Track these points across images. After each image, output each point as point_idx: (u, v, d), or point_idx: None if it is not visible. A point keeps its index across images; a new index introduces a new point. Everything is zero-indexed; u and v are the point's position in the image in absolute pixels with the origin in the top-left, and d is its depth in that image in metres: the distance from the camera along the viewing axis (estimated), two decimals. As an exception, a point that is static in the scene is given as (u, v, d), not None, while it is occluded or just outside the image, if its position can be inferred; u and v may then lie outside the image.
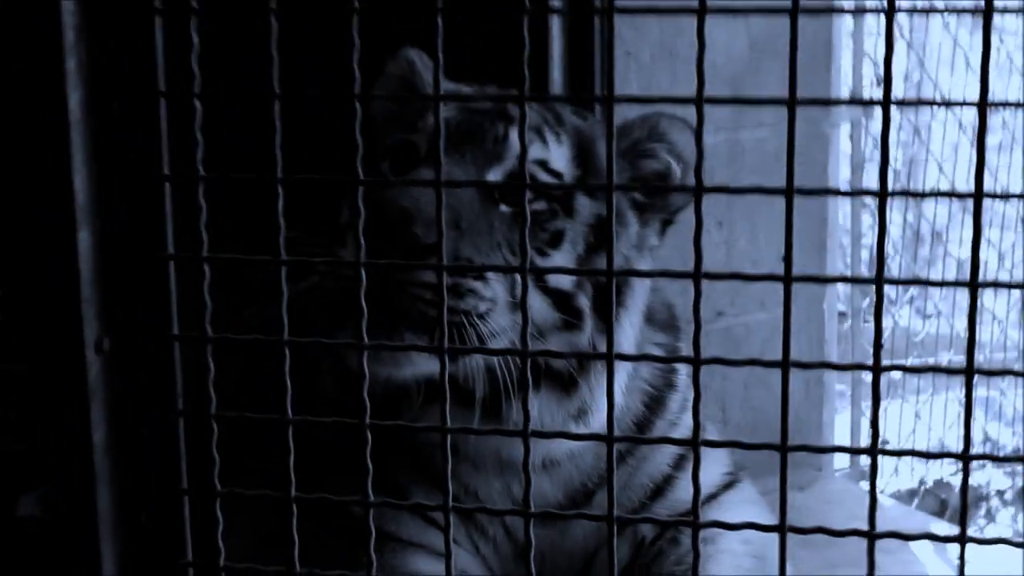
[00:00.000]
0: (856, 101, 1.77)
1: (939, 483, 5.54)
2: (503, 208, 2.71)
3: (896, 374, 5.37)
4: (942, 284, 1.82)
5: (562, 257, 2.74)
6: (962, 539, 1.86)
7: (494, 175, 2.76)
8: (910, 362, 5.23)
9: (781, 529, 1.89)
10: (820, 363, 1.87)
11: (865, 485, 4.78)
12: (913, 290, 5.91)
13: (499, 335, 2.60)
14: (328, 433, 2.85)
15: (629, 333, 2.84)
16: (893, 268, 5.62)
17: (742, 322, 4.10)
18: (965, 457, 1.85)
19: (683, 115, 2.88)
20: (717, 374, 4.02)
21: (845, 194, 1.80)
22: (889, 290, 5.51)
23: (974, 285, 1.76)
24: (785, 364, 1.84)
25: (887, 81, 1.77)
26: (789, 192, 1.78)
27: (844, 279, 1.81)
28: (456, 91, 2.89)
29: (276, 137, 1.92)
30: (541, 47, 3.47)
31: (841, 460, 4.73)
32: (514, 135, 2.76)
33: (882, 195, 1.77)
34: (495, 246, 2.65)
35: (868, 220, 5.08)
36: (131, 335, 2.06)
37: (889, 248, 5.56)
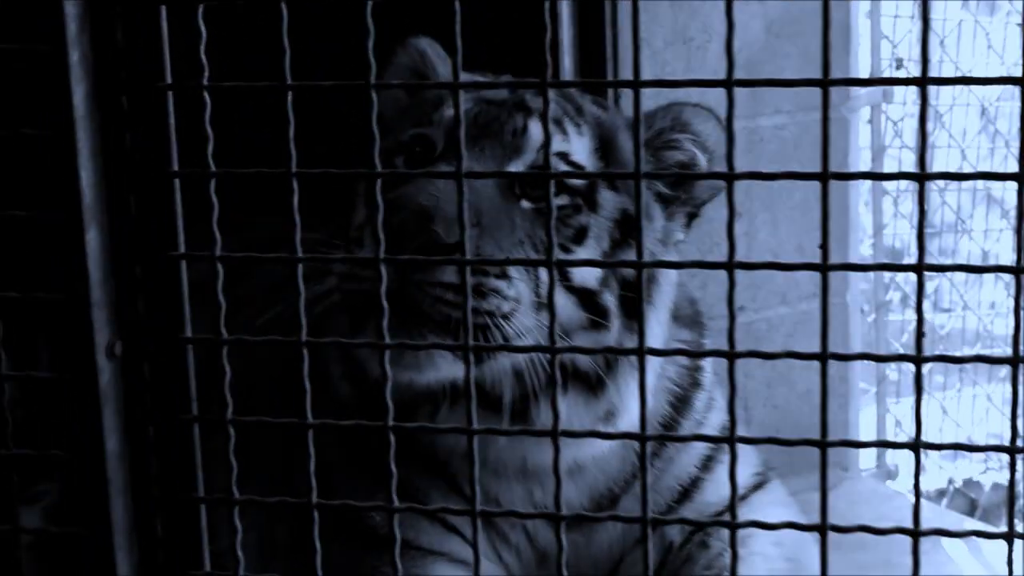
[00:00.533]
0: (891, 81, 1.77)
1: (969, 482, 5.53)
2: (524, 204, 2.69)
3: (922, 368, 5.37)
4: (986, 270, 1.82)
5: (586, 253, 2.72)
6: (1010, 536, 1.86)
7: (514, 169, 2.75)
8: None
9: (822, 528, 1.89)
10: (859, 355, 1.87)
11: (892, 485, 4.78)
12: (931, 284, 5.92)
13: (524, 336, 2.58)
14: (340, 438, 2.88)
15: (657, 331, 2.84)
16: (907, 259, 5.63)
17: (763, 317, 4.10)
18: (1012, 450, 1.85)
19: (703, 101, 2.89)
20: (739, 372, 3.99)
21: (882, 177, 1.79)
22: (906, 284, 5.51)
23: (1020, 271, 1.76)
24: (824, 356, 1.83)
25: (924, 60, 1.77)
26: (824, 176, 1.77)
27: (884, 267, 1.81)
28: (472, 81, 2.89)
29: (289, 130, 1.92)
30: (551, 34, 3.46)
31: (867, 460, 4.73)
32: (534, 127, 2.75)
33: (921, 178, 1.76)
34: (517, 243, 2.64)
35: (889, 209, 5.08)
36: (142, 338, 2.06)
37: (905, 238, 5.56)
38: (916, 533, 1.88)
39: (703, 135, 2.87)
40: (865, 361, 4.72)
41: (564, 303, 2.68)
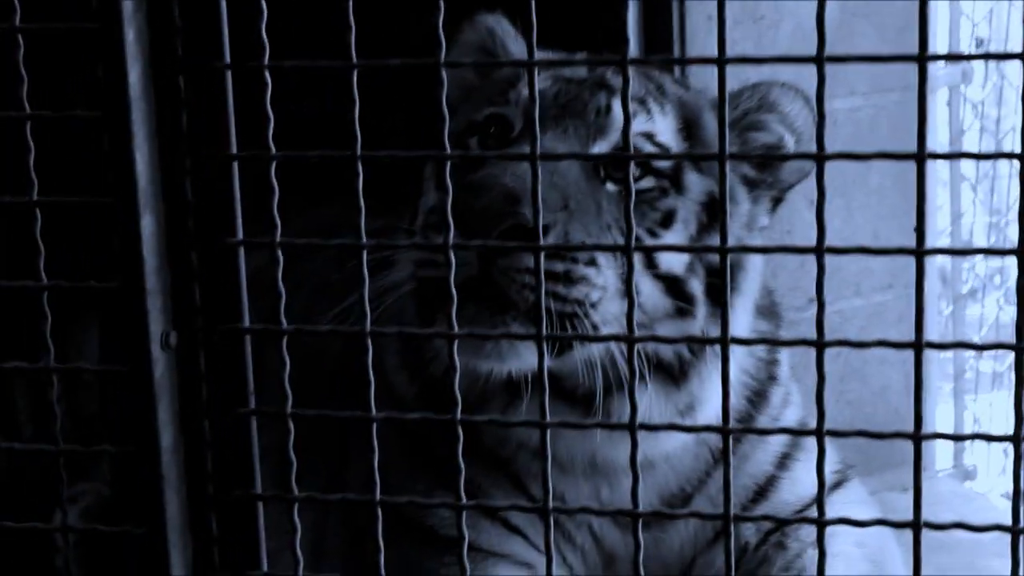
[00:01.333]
0: (991, 56, 1.75)
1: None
2: (609, 187, 2.68)
3: (997, 365, 5.33)
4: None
5: (674, 238, 2.71)
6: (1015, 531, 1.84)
7: (598, 150, 2.73)
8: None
9: (916, 525, 1.87)
10: (955, 343, 1.86)
11: (969, 485, 4.75)
12: (1001, 277, 5.85)
13: (609, 324, 2.58)
14: (398, 434, 2.88)
15: (743, 319, 2.83)
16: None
17: (836, 309, 4.07)
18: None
19: (791, 81, 2.88)
20: (811, 370, 3.99)
21: (982, 156, 1.77)
22: (985, 276, 5.47)
23: None
24: (918, 345, 1.82)
25: (1024, 32, 1.75)
26: (920, 156, 1.76)
27: (984, 251, 1.79)
28: (547, 59, 2.88)
29: (354, 110, 1.92)
30: (616, 10, 3.45)
31: (944, 460, 4.69)
32: (617, 106, 2.72)
33: None
34: (604, 228, 2.62)
35: (968, 195, 5.04)
36: (198, 328, 2.06)
37: (982, 227, 5.51)
38: (1017, 531, 1.86)
39: (791, 116, 2.85)
40: (941, 358, 4.70)
41: (650, 290, 2.67)
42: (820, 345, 1.88)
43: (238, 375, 2.08)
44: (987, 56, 1.75)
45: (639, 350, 2.65)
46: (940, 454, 4.55)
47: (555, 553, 2.92)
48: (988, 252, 1.81)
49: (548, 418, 1.94)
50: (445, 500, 2.03)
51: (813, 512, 2.84)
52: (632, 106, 2.69)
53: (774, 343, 1.92)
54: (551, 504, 1.98)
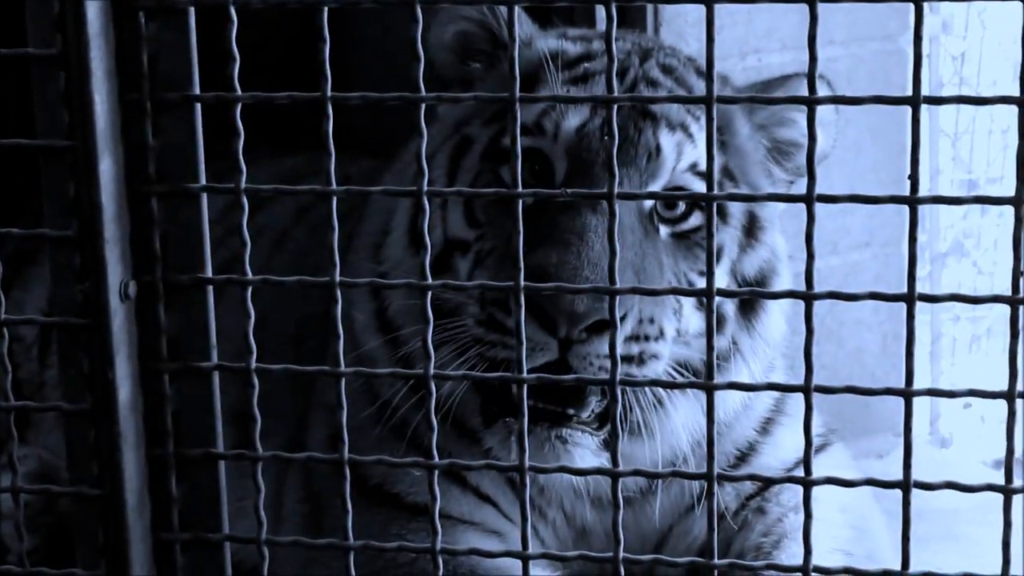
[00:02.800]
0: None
1: (1031, 451, 5.53)
2: (663, 231, 2.78)
3: (975, 328, 5.37)
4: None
5: (721, 269, 2.82)
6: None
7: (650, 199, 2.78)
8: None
9: (905, 485, 1.90)
10: (949, 296, 1.88)
11: (946, 453, 4.79)
12: (969, 243, 5.88)
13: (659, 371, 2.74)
14: (366, 397, 2.90)
15: (779, 320, 2.97)
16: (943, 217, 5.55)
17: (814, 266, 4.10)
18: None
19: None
20: (787, 328, 4.02)
21: (981, 101, 1.80)
22: (966, 237, 5.50)
23: None
24: (911, 297, 1.84)
25: (1023, -26, 1.77)
26: (915, 100, 1.78)
27: (980, 199, 1.81)
28: (560, 49, 2.91)
29: (324, 50, 1.92)
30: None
31: (919, 428, 4.74)
32: (666, 143, 2.77)
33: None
34: (665, 284, 2.73)
35: (949, 152, 5.07)
36: (158, 279, 2.06)
37: (963, 183, 5.54)
38: (1008, 490, 1.89)
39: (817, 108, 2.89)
40: (918, 321, 4.73)
41: (695, 319, 2.79)
42: (809, 297, 1.90)
43: (199, 328, 2.09)
44: (986, -2, 1.77)
45: (682, 362, 2.82)
46: (915, 422, 4.58)
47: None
48: (984, 201, 1.83)
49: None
50: (417, 460, 2.04)
51: (797, 474, 2.90)
52: (677, 136, 2.79)
53: (763, 295, 1.94)
54: (527, 463, 2.00)
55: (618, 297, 2.09)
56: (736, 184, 2.87)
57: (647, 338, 2.67)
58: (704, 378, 1.94)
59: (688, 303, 2.77)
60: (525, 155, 2.75)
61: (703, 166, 2.77)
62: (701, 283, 2.76)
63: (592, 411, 2.70)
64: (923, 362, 4.92)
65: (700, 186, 2.80)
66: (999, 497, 1.90)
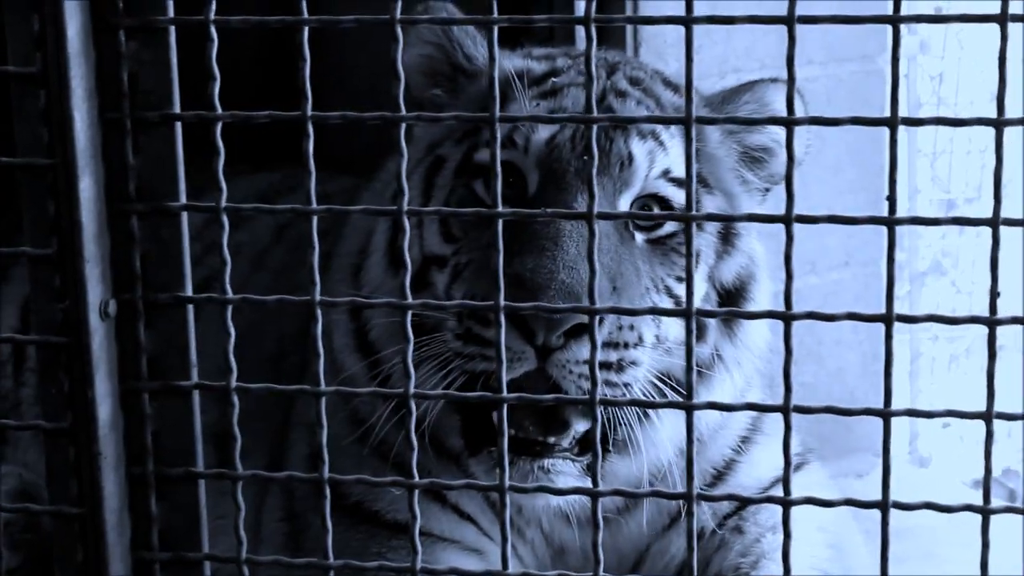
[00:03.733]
0: (969, 18, 1.78)
1: (1008, 472, 5.57)
2: (638, 238, 2.80)
3: (954, 348, 5.40)
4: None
5: (699, 276, 2.83)
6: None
7: (624, 203, 2.80)
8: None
9: (884, 505, 1.91)
10: (927, 316, 1.90)
11: (925, 472, 4.81)
12: (948, 263, 5.90)
13: (642, 381, 2.74)
14: (346, 417, 2.90)
15: (761, 326, 2.96)
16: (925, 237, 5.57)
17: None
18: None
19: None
20: (766, 350, 4.04)
21: (953, 123, 1.81)
22: (944, 256, 5.53)
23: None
24: (888, 318, 1.86)
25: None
26: (893, 122, 1.80)
27: (957, 221, 1.83)
28: (525, 67, 2.94)
29: (304, 69, 1.93)
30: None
31: (900, 447, 4.76)
32: (638, 151, 2.79)
33: (999, 124, 1.78)
34: (645, 292, 2.75)
35: (928, 172, 5.11)
36: (138, 297, 2.06)
37: (940, 204, 5.57)
38: (986, 511, 1.90)
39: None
40: (897, 341, 4.76)
41: (676, 326, 2.78)
42: (788, 317, 1.91)
43: (179, 346, 2.09)
44: (963, 18, 1.79)
45: (664, 372, 2.81)
46: (895, 442, 4.61)
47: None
48: (961, 223, 1.85)
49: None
50: (397, 479, 2.05)
51: (774, 493, 2.91)
52: (648, 144, 2.81)
53: (741, 315, 1.94)
54: (507, 484, 2.01)
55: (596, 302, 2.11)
56: (710, 190, 2.89)
57: (626, 345, 2.67)
58: (685, 398, 1.95)
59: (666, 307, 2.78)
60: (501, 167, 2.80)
61: (676, 172, 2.83)
62: (679, 288, 2.79)
63: (574, 437, 2.71)
64: (902, 381, 4.95)
65: (673, 192, 2.82)
66: (978, 517, 1.91)
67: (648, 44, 3.74)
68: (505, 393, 1.98)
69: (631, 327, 2.68)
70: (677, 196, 2.82)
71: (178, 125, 2.01)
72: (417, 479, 2.02)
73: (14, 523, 3.36)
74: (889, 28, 1.83)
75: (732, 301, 2.89)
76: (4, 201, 3.07)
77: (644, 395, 2.74)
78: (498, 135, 1.92)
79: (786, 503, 1.95)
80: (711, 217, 2.06)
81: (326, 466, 2.04)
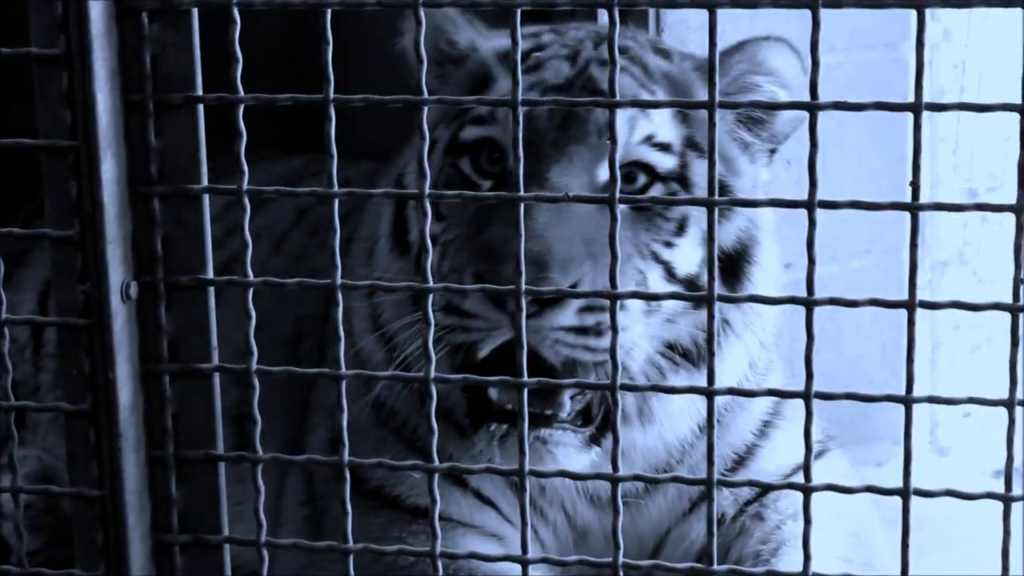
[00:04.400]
0: (996, 1, 1.78)
1: (1030, 462, 5.54)
2: (620, 205, 2.72)
3: (975, 336, 5.38)
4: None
5: (689, 241, 2.80)
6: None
7: (605, 171, 2.75)
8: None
9: (905, 492, 1.91)
10: (950, 303, 1.89)
11: (945, 462, 4.80)
12: (969, 251, 5.87)
13: (637, 346, 2.73)
14: (367, 400, 2.91)
15: (767, 286, 2.92)
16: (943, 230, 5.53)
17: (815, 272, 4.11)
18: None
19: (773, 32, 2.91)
20: (784, 335, 4.03)
21: (982, 108, 1.81)
22: (966, 244, 5.50)
23: None
24: (911, 304, 1.86)
25: (1026, -18, 1.78)
26: (917, 107, 1.80)
27: (981, 207, 1.82)
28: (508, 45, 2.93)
29: (327, 52, 1.93)
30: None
31: (920, 435, 4.74)
32: (616, 118, 2.73)
33: (1024, 110, 1.78)
34: (627, 258, 2.70)
35: (950, 161, 5.07)
36: (159, 280, 2.07)
37: (962, 191, 5.55)
38: (1008, 498, 1.90)
39: (781, 71, 2.89)
40: (920, 327, 4.75)
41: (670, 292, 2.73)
42: (810, 303, 1.91)
43: (200, 329, 2.10)
44: (988, 2, 1.78)
45: (671, 342, 2.82)
46: (915, 430, 4.59)
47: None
48: (985, 208, 1.84)
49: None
50: (417, 463, 2.05)
51: (795, 480, 2.91)
52: (628, 112, 2.78)
53: (763, 300, 1.94)
54: (527, 468, 2.01)
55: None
56: (703, 154, 2.83)
57: (603, 309, 2.62)
58: (695, 361, 1.95)
59: (655, 276, 2.77)
60: (480, 144, 2.84)
61: (660, 137, 2.81)
62: (666, 253, 2.77)
63: (570, 410, 2.71)
64: (923, 370, 4.93)
65: (658, 158, 2.80)
66: (999, 505, 1.91)
67: (671, 30, 3.73)
68: (524, 376, 1.98)
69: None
70: (663, 162, 2.80)
71: (200, 108, 2.02)
72: (438, 463, 2.02)
73: (35, 505, 3.38)
74: (913, 15, 1.82)
75: (734, 264, 2.86)
76: (24, 186, 3.09)
77: (646, 361, 2.75)
78: (520, 119, 1.92)
79: (806, 489, 1.96)
80: (734, 202, 2.05)
81: (346, 449, 2.05)
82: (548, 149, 2.71)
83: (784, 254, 4.03)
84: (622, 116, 2.76)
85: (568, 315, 2.59)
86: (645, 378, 2.76)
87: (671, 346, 2.81)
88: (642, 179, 2.79)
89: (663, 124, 2.82)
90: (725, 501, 3.00)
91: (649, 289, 2.72)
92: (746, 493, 3.02)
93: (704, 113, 2.78)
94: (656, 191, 2.79)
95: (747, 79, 2.90)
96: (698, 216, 2.81)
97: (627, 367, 2.70)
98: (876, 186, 4.13)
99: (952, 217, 5.21)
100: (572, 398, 2.71)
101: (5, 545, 3.48)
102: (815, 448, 3.08)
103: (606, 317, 2.61)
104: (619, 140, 2.75)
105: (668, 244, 2.78)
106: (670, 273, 2.78)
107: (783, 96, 2.88)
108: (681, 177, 2.82)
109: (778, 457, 3.05)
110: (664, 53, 3.01)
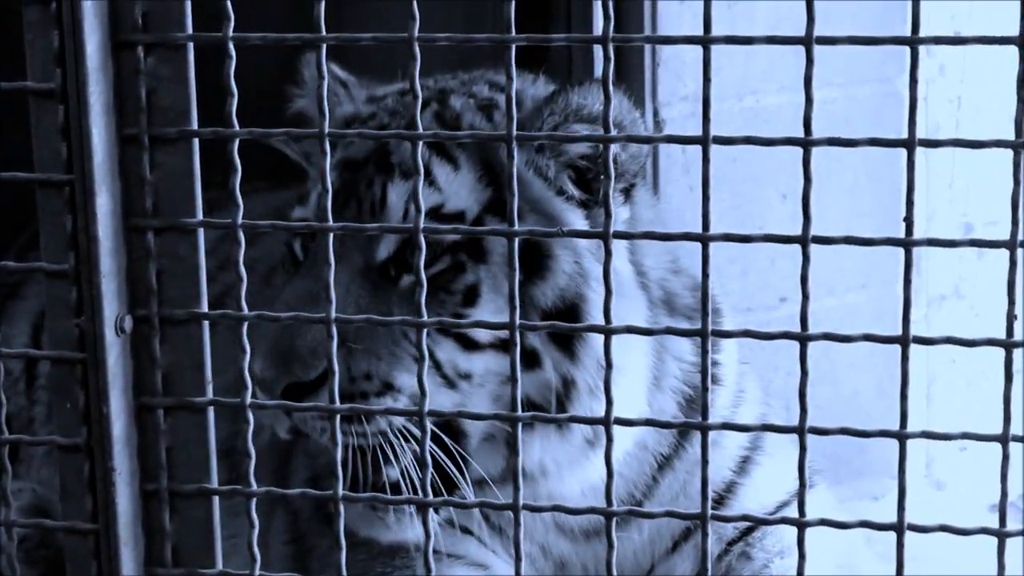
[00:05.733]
0: (988, 40, 1.79)
1: (1025, 496, 5.55)
2: (404, 281, 2.69)
3: (971, 372, 5.39)
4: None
5: (484, 311, 2.69)
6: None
7: (384, 249, 2.71)
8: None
9: (899, 528, 1.92)
10: (944, 339, 1.90)
11: (942, 495, 4.80)
12: (965, 286, 5.88)
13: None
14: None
15: (626, 350, 2.75)
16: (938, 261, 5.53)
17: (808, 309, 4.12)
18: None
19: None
20: (781, 369, 4.03)
21: (974, 144, 1.82)
22: (962, 280, 5.52)
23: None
24: (905, 339, 1.86)
25: None
26: (910, 143, 1.81)
27: (974, 243, 1.83)
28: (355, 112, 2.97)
29: (323, 86, 1.94)
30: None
31: (916, 470, 4.74)
32: (393, 194, 2.72)
33: (1017, 146, 1.79)
34: (400, 339, 2.65)
35: (945, 195, 5.09)
36: (153, 313, 2.07)
37: (958, 227, 5.56)
38: (1002, 534, 1.91)
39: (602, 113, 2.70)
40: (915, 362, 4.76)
41: (478, 366, 2.71)
42: (804, 338, 1.92)
43: (194, 363, 2.10)
44: (981, 40, 1.79)
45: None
46: (911, 465, 4.60)
47: (505, 559, 2.96)
48: (979, 244, 1.85)
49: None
50: (412, 497, 2.06)
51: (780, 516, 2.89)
52: (408, 184, 2.68)
53: (759, 336, 1.94)
54: (520, 503, 2.01)
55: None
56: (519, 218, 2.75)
57: (364, 395, 2.60)
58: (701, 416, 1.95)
59: (448, 347, 2.69)
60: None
61: (449, 205, 2.72)
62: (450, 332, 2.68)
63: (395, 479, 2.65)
64: (918, 404, 4.93)
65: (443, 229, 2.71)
66: (994, 542, 1.92)
67: (666, 65, 3.75)
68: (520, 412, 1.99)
69: (367, 376, 2.63)
70: (447, 235, 2.67)
71: (195, 141, 2.03)
72: (432, 497, 2.03)
73: (29, 539, 3.38)
74: (907, 50, 1.83)
75: (564, 320, 2.69)
76: (17, 219, 3.10)
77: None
78: (515, 156, 1.93)
79: (801, 524, 1.96)
80: (747, 239, 2.04)
81: (339, 483, 2.05)
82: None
83: (779, 288, 4.05)
84: (400, 190, 2.70)
85: (322, 399, 2.51)
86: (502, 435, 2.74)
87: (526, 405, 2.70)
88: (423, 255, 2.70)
89: (459, 192, 2.73)
90: (711, 539, 2.98)
91: (442, 364, 2.68)
92: (730, 531, 3.01)
93: (522, 175, 2.68)
94: (441, 264, 2.68)
95: (564, 129, 2.70)
96: (491, 283, 2.70)
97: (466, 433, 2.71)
98: (873, 219, 4.15)
99: (948, 251, 5.22)
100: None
101: (0, 577, 3.48)
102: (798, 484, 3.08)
103: (371, 403, 2.62)
104: (394, 216, 2.70)
105: (456, 315, 2.67)
106: (466, 343, 2.68)
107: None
108: (471, 245, 2.70)
109: (762, 495, 3.03)
110: (488, 111, 2.90)
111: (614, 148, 2.59)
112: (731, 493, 3.06)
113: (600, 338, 2.66)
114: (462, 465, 2.69)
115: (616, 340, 1.99)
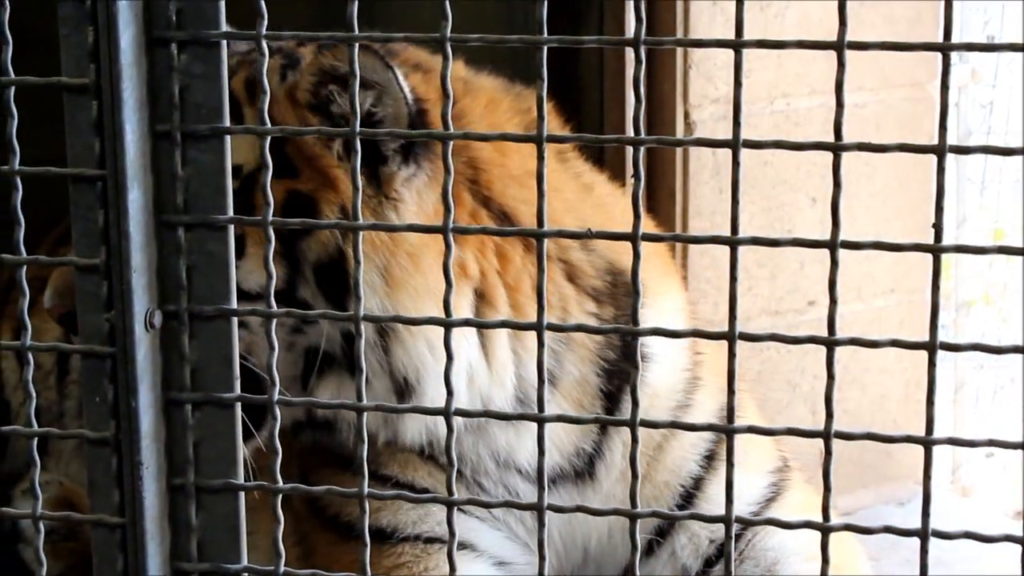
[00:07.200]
0: (1018, 47, 1.79)
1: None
2: None
3: (999, 378, 5.38)
4: (1113, 256, 1.84)
5: (250, 261, 2.67)
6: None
7: None
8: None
9: (923, 533, 1.91)
10: (971, 345, 1.90)
11: (968, 503, 4.80)
12: (995, 292, 5.86)
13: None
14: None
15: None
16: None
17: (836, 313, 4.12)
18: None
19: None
20: (808, 373, 4.04)
21: (1007, 152, 1.81)
22: (991, 286, 5.50)
23: None
24: (932, 345, 1.86)
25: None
26: (940, 150, 1.80)
27: (1002, 249, 1.83)
28: None
29: (354, 84, 1.95)
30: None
31: (943, 476, 4.74)
32: None
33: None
34: None
35: (976, 201, 5.08)
36: (183, 308, 2.08)
37: (987, 232, 5.54)
38: (1028, 542, 1.90)
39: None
40: (943, 367, 4.74)
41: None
42: (831, 343, 1.92)
43: (222, 358, 2.11)
44: (1012, 47, 1.79)
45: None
46: (937, 470, 4.60)
47: (522, 545, 2.94)
48: (1007, 251, 1.85)
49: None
50: (436, 496, 2.06)
51: (756, 530, 2.85)
52: None
53: (786, 340, 1.93)
54: (545, 503, 2.01)
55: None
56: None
57: None
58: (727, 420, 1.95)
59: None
60: None
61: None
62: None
63: None
64: (946, 410, 4.93)
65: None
66: (1019, 548, 1.91)
67: (698, 67, 3.75)
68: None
69: None
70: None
71: (227, 138, 2.03)
72: (456, 496, 2.03)
73: (55, 531, 3.40)
74: (940, 56, 1.83)
75: (331, 276, 2.68)
76: (45, 215, 3.11)
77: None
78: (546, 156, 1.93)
79: (824, 529, 1.95)
80: (756, 240, 2.04)
81: (365, 480, 2.05)
82: None
83: (808, 292, 4.05)
84: None
85: None
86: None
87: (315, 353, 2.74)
88: None
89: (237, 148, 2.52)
90: (685, 550, 2.97)
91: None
92: (705, 547, 2.96)
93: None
94: None
95: (322, 90, 2.57)
96: (256, 237, 2.65)
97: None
98: (902, 224, 4.14)
99: (978, 257, 5.21)
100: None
101: (26, 570, 3.50)
102: (771, 482, 3.00)
103: None
104: None
105: None
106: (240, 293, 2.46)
107: (370, 96, 2.53)
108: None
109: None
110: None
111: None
112: (699, 489, 2.98)
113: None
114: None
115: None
